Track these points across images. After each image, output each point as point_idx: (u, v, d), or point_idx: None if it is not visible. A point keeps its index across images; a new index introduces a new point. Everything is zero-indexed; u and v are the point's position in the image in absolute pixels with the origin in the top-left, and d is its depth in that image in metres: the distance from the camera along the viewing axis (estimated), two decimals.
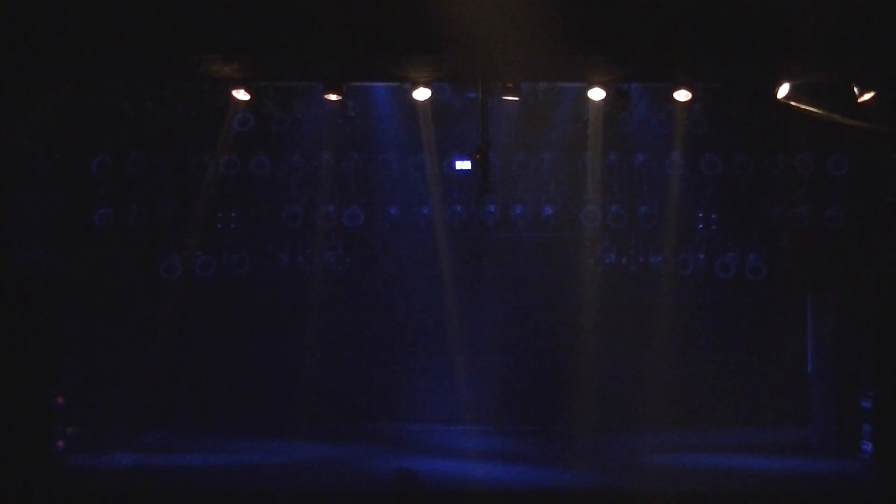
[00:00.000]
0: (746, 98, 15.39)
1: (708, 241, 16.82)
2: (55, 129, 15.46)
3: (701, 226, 16.83)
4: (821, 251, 16.44)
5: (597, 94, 13.63)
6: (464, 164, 16.75)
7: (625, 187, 16.81)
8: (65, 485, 13.53)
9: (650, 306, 16.75)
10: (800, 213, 16.40)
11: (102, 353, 16.44)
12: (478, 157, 13.37)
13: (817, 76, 12.93)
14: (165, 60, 12.38)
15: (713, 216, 16.80)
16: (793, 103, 13.11)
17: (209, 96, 15.76)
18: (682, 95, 13.64)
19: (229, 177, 16.60)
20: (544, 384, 17.24)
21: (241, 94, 13.59)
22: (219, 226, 16.88)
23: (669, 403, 16.57)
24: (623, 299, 16.87)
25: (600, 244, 16.79)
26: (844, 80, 12.98)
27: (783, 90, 13.04)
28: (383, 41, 11.84)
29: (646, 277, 16.84)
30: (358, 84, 15.34)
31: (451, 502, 12.81)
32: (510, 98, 13.19)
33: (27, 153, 15.15)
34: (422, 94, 13.56)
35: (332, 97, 13.61)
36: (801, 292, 17.04)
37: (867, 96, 12.78)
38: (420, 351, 17.44)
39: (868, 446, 14.59)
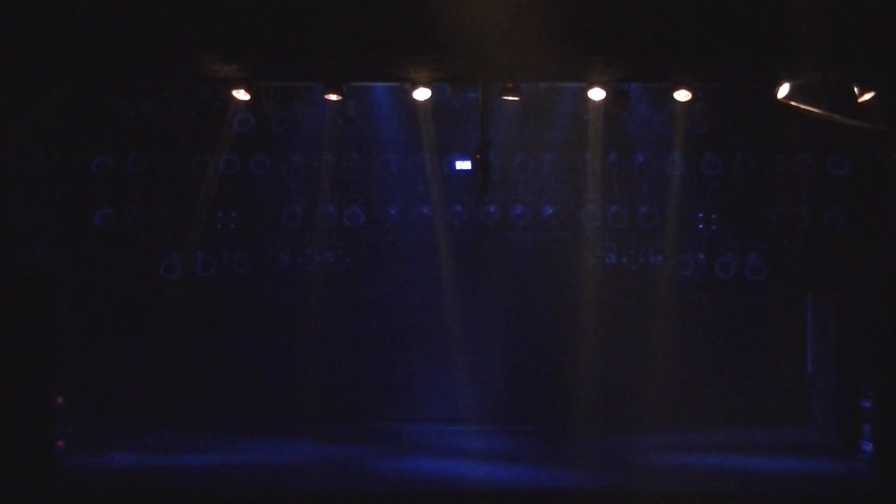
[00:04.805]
0: (746, 98, 15.39)
1: (708, 241, 16.81)
2: (55, 129, 15.46)
3: (701, 226, 16.82)
4: (821, 251, 16.44)
5: (597, 94, 13.63)
6: (464, 164, 16.75)
7: (625, 187, 16.80)
8: (65, 485, 13.53)
9: (650, 306, 16.75)
10: (800, 213, 16.40)
11: (102, 354, 16.43)
12: (478, 157, 13.37)
13: (817, 76, 12.93)
14: (165, 60, 12.39)
15: (713, 216, 16.79)
16: (793, 103, 13.11)
17: (209, 96, 15.76)
18: (682, 95, 13.64)
19: (229, 177, 16.60)
20: (544, 384, 17.23)
21: (241, 94, 13.59)
22: (219, 226, 16.87)
23: (669, 403, 16.57)
24: (623, 299, 16.87)
25: (600, 244, 16.79)
26: (844, 80, 12.98)
27: (783, 90, 13.03)
28: (383, 41, 11.85)
29: (646, 277, 16.84)
30: (358, 84, 15.33)
31: (451, 502, 12.81)
32: (510, 98, 13.19)
33: (27, 153, 15.15)
34: (422, 94, 13.56)
35: (332, 97, 13.61)
36: (801, 292, 17.05)
37: (867, 96, 12.77)
38: (419, 351, 17.43)
39: (868, 446, 14.60)
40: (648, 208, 16.72)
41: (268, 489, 13.20)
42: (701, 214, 16.82)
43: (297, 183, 16.88)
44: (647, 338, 16.77)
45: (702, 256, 16.77)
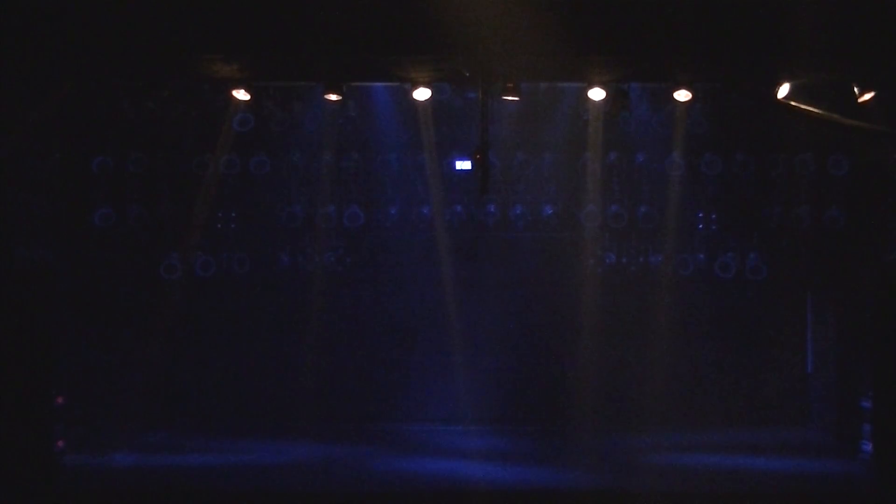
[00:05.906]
0: (746, 98, 15.39)
1: (708, 241, 16.82)
2: (55, 129, 15.45)
3: (701, 226, 16.84)
4: (821, 251, 16.45)
5: (597, 94, 13.62)
6: (464, 164, 16.76)
7: (625, 187, 16.81)
8: (65, 485, 13.53)
9: (650, 306, 16.75)
10: (800, 213, 16.41)
11: (103, 354, 16.43)
12: (478, 157, 13.36)
13: (817, 76, 12.92)
14: (165, 60, 12.39)
15: (713, 216, 16.81)
16: (793, 103, 13.10)
17: (209, 96, 15.76)
18: (682, 95, 13.62)
19: (229, 177, 16.61)
20: (544, 384, 17.24)
21: (241, 94, 13.59)
22: (219, 226, 16.89)
23: (669, 403, 16.56)
24: (623, 299, 16.88)
25: (600, 244, 16.80)
26: (844, 80, 12.98)
27: (783, 90, 13.03)
28: (383, 41, 11.84)
29: (646, 277, 16.84)
30: (358, 84, 15.33)
31: (451, 502, 12.81)
32: (510, 98, 13.19)
33: (27, 153, 15.14)
34: (422, 94, 13.55)
35: (332, 97, 13.60)
36: (801, 292, 17.05)
37: (867, 96, 12.77)
38: (420, 351, 17.43)
39: (868, 446, 14.60)
40: (648, 208, 16.73)
41: (268, 489, 13.20)
42: (701, 214, 16.83)
43: (297, 183, 16.88)
44: (647, 338, 16.76)
45: (702, 256, 16.78)
